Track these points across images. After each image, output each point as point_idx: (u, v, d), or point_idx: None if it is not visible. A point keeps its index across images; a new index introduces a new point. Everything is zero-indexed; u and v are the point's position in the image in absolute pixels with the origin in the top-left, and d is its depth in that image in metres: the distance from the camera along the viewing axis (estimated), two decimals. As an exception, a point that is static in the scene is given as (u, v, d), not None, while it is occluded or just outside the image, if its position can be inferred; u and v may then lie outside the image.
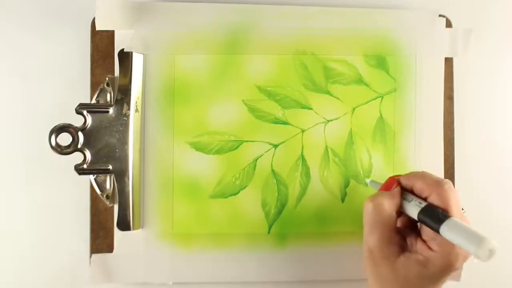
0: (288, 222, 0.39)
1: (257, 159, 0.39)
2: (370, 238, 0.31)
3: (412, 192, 0.32)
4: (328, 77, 0.40)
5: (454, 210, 0.30)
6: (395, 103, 0.40)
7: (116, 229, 0.38)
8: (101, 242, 0.39)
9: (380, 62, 0.40)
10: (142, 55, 0.39)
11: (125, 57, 0.38)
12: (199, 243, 0.39)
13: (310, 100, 0.40)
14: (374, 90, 0.40)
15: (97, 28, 0.38)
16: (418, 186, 0.32)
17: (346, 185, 0.40)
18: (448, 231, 0.28)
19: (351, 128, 0.40)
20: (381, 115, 0.40)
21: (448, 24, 0.41)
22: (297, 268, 0.39)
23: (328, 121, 0.40)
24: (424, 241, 0.31)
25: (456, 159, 0.41)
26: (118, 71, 0.38)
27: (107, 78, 0.38)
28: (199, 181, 0.39)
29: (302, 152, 0.39)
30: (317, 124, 0.40)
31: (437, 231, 0.29)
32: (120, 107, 0.37)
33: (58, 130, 0.36)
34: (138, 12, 0.38)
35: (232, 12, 0.39)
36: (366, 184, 0.39)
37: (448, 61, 0.41)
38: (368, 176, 0.40)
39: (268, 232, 0.39)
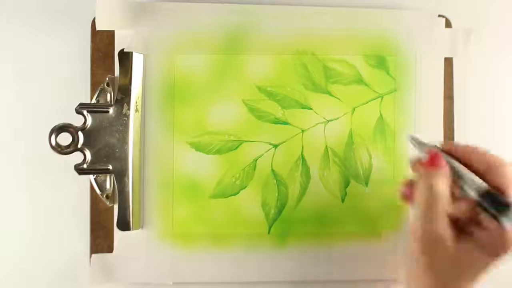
0: (288, 222, 0.39)
1: (257, 159, 0.39)
2: (427, 221, 0.30)
3: (465, 165, 0.31)
4: (328, 77, 0.40)
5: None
6: (395, 103, 0.40)
7: (116, 229, 0.38)
8: (101, 242, 0.39)
9: (380, 62, 0.40)
10: (142, 55, 0.39)
11: (125, 57, 0.38)
12: (199, 243, 0.39)
13: (310, 100, 0.40)
14: (374, 90, 0.40)
15: (97, 28, 0.38)
16: (476, 159, 0.30)
17: (346, 185, 0.40)
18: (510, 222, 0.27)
19: (351, 128, 0.40)
20: (381, 115, 0.40)
21: (448, 24, 0.41)
22: (297, 268, 0.39)
23: (328, 121, 0.40)
24: (478, 223, 0.30)
25: (456, 159, 0.41)
26: (118, 71, 0.38)
27: (107, 78, 0.38)
28: (199, 181, 0.39)
29: (302, 152, 0.39)
30: (317, 124, 0.40)
31: (496, 218, 0.28)
32: (120, 107, 0.37)
33: (58, 130, 0.36)
34: (138, 12, 0.38)
35: (232, 12, 0.39)
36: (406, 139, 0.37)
37: (448, 61, 0.41)
38: (368, 176, 0.40)
39: (268, 232, 0.39)
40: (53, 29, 0.40)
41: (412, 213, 0.31)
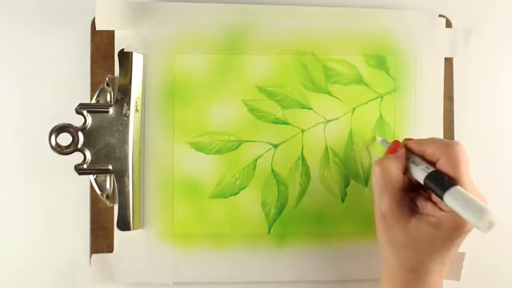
0: (288, 222, 0.39)
1: (257, 159, 0.39)
2: (382, 201, 0.32)
3: (422, 157, 0.32)
4: (328, 77, 0.40)
5: (463, 171, 0.30)
6: (395, 103, 0.40)
7: (116, 229, 0.38)
8: (101, 242, 0.39)
9: (380, 62, 0.40)
10: (142, 55, 0.39)
11: (125, 57, 0.38)
12: (199, 243, 0.39)
13: (310, 100, 0.40)
14: (374, 90, 0.40)
15: (97, 28, 0.38)
16: (429, 151, 0.32)
17: (346, 185, 0.40)
18: (451, 200, 0.28)
19: (351, 128, 0.40)
20: (381, 115, 0.40)
21: (448, 24, 0.41)
22: (297, 268, 0.39)
23: (328, 121, 0.40)
24: (434, 203, 0.31)
25: (456, 159, 0.41)
26: (118, 71, 0.38)
27: (107, 78, 0.38)
28: (199, 181, 0.39)
29: (302, 152, 0.39)
30: (317, 124, 0.40)
31: (441, 198, 0.29)
32: (120, 107, 0.37)
33: (58, 130, 0.36)
34: (138, 12, 0.38)
35: (232, 12, 0.39)
36: (376, 141, 0.40)
37: (448, 61, 0.41)
38: (368, 176, 0.40)
39: (268, 232, 0.39)
40: (53, 29, 0.40)
41: (374, 193, 0.33)
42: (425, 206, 0.32)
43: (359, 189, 0.40)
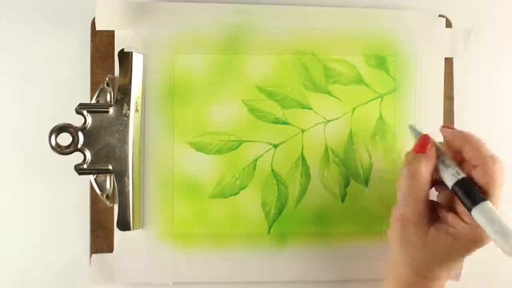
0: (288, 222, 0.39)
1: (257, 159, 0.39)
2: (405, 207, 0.31)
3: (456, 151, 0.31)
4: (328, 77, 0.40)
5: (496, 190, 0.29)
6: (395, 103, 0.40)
7: (116, 229, 0.38)
8: (101, 242, 0.39)
9: (380, 62, 0.40)
10: (142, 55, 0.39)
11: (125, 57, 0.38)
12: (199, 243, 0.39)
13: (310, 100, 0.40)
14: (374, 90, 0.40)
15: (97, 28, 0.38)
16: (469, 153, 0.30)
17: (346, 185, 0.40)
18: (479, 215, 0.27)
19: (351, 128, 0.40)
20: (381, 115, 0.40)
21: (448, 24, 0.41)
22: (297, 268, 0.39)
23: (328, 121, 0.40)
24: (456, 213, 0.30)
25: (456, 159, 0.41)
26: (118, 71, 0.38)
27: (107, 78, 0.38)
28: (199, 181, 0.39)
29: (302, 152, 0.39)
30: (317, 124, 0.40)
31: (468, 209, 0.28)
32: (120, 107, 0.37)
33: (58, 130, 0.36)
34: (138, 12, 0.38)
35: (232, 12, 0.39)
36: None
37: (448, 61, 0.41)
38: (368, 176, 0.40)
39: (268, 232, 0.39)
40: (53, 29, 0.40)
41: (398, 194, 0.32)
42: (446, 215, 0.31)
43: (359, 189, 0.40)
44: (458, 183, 0.29)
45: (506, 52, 0.42)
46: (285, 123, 0.39)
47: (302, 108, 0.39)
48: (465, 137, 0.31)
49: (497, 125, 0.42)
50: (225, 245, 0.39)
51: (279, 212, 0.39)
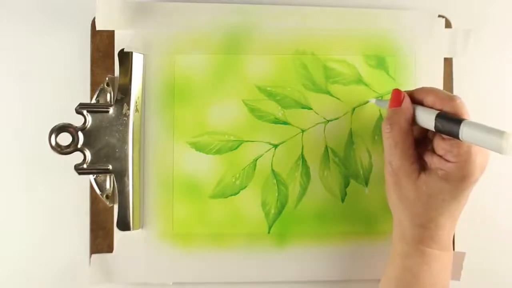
0: (288, 222, 0.39)
1: (257, 159, 0.39)
2: (393, 158, 0.33)
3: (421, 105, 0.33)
4: (328, 77, 0.40)
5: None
6: (395, 103, 0.40)
7: (116, 229, 0.38)
8: (101, 242, 0.39)
9: (380, 62, 0.40)
10: (142, 55, 0.39)
11: (125, 57, 0.38)
12: (199, 243, 0.39)
13: (310, 100, 0.40)
14: (374, 90, 0.40)
15: (97, 28, 0.38)
16: (429, 99, 0.32)
17: (346, 185, 0.40)
18: (468, 129, 0.29)
19: (351, 128, 0.40)
20: (381, 115, 0.40)
21: (448, 25, 0.41)
22: (297, 268, 0.39)
23: (328, 121, 0.40)
24: (440, 156, 0.32)
25: (456, 159, 0.41)
26: (118, 71, 0.38)
27: (107, 78, 0.38)
28: (199, 181, 0.39)
29: (302, 152, 0.39)
30: (317, 124, 0.40)
31: (456, 134, 0.29)
32: (120, 107, 0.37)
33: (58, 130, 0.36)
34: (138, 12, 0.38)
35: (232, 12, 0.39)
36: (368, 102, 0.39)
37: (448, 61, 0.41)
38: (368, 176, 0.40)
39: (268, 232, 0.39)
40: (53, 29, 0.40)
41: (385, 151, 0.34)
42: (432, 160, 0.32)
43: (359, 189, 0.40)
44: (438, 115, 0.31)
45: (506, 52, 0.42)
46: (285, 123, 0.39)
47: (302, 108, 0.39)
48: (424, 88, 0.33)
49: (497, 125, 0.42)
50: (225, 245, 0.39)
51: (279, 212, 0.39)
